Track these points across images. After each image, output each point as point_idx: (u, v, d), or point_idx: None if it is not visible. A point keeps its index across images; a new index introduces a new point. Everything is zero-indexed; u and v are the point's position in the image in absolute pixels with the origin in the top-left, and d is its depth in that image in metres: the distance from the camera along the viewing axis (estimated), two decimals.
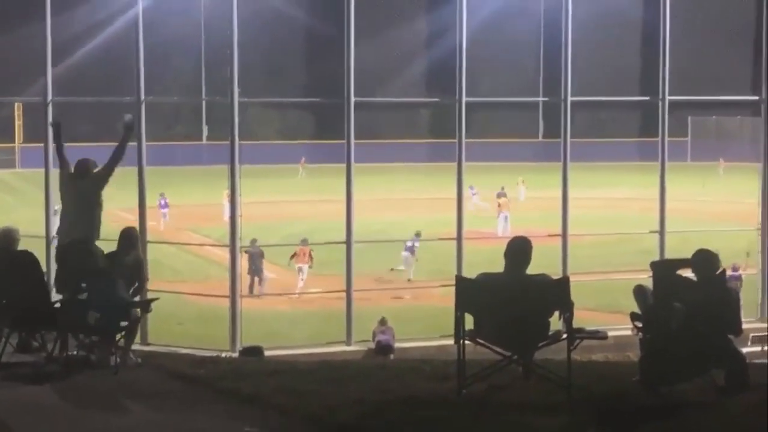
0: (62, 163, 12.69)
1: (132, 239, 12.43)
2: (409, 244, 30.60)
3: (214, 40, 41.24)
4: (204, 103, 64.67)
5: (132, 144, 13.21)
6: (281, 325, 24.71)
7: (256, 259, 28.07)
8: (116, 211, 22.68)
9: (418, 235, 30.84)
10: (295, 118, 69.34)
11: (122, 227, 12.53)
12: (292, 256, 28.97)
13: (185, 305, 25.02)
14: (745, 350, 10.79)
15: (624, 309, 22.02)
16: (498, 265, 9.48)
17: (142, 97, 21.33)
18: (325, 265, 28.31)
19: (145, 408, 9.50)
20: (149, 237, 22.20)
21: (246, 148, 24.00)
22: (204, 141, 66.30)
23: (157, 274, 21.34)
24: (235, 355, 17.69)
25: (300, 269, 29.05)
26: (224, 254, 23.83)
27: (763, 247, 24.01)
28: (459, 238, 22.75)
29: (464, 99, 22.70)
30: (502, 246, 9.51)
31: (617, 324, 17.17)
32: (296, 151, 62.39)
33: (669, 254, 22.07)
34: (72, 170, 12.52)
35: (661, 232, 23.65)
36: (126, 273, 11.90)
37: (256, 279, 28.22)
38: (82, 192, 12.28)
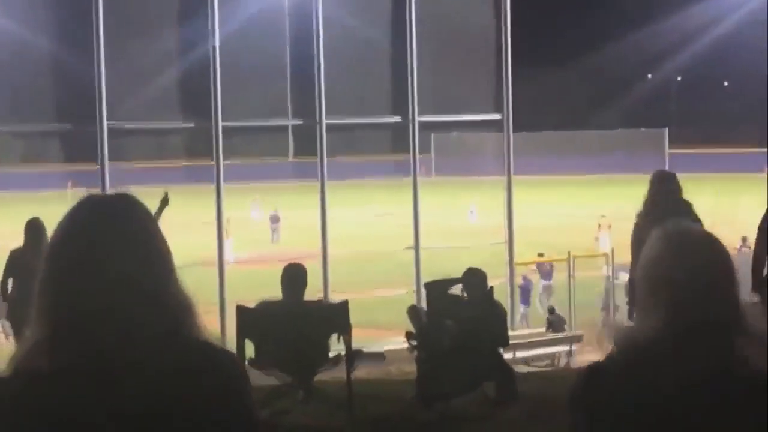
0: None
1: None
2: None
3: None
4: None
5: None
6: None
7: None
8: None
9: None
10: (41, 143, 66.67)
11: None
12: None
13: None
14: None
15: (382, 324, 22.50)
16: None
17: None
18: None
19: None
20: None
21: None
22: None
23: None
24: None
25: None
26: None
27: (510, 260, 25.04)
28: (221, 264, 22.21)
29: (220, 123, 22.75)
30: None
31: (378, 338, 17.93)
32: (47, 177, 59.95)
33: (424, 268, 22.77)
34: None
35: (416, 248, 24.32)
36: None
37: None
38: None
